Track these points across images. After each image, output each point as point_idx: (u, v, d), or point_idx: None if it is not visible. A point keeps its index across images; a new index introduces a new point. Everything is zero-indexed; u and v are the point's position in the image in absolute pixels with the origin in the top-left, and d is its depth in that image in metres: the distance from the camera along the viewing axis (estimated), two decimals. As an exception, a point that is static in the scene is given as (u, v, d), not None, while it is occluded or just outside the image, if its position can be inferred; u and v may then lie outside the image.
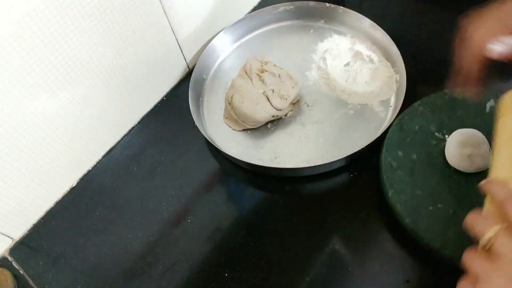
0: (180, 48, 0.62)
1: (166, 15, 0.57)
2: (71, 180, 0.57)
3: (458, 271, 0.43)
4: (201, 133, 0.56)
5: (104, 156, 0.59)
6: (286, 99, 0.58)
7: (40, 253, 0.52)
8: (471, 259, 0.30)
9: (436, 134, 0.50)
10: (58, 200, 0.56)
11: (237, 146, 0.57)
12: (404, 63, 0.57)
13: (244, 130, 0.59)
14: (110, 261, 0.51)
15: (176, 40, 0.61)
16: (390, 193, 0.46)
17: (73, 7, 0.45)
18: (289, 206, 0.53)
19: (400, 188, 0.47)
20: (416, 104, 0.53)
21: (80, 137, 0.54)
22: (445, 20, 0.66)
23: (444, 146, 0.49)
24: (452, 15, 0.67)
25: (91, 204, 0.56)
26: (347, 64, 0.62)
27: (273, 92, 0.58)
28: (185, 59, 0.65)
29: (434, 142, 0.50)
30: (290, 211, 0.52)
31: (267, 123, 0.58)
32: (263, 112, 0.56)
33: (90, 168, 0.58)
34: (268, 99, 0.57)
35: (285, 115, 0.59)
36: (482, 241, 0.30)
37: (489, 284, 0.28)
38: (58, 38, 0.45)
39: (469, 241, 0.42)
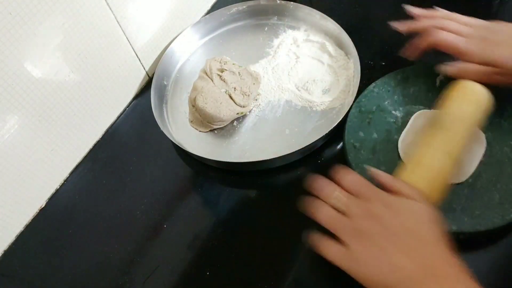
0: (138, 56, 0.62)
1: (119, 25, 0.57)
2: (39, 201, 0.56)
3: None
4: (168, 138, 0.56)
5: (71, 173, 0.58)
6: (249, 95, 0.59)
7: (14, 279, 0.51)
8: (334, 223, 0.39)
9: (393, 112, 0.53)
10: (27, 223, 0.55)
11: (206, 147, 0.58)
12: (357, 49, 0.60)
13: (211, 130, 0.59)
14: (89, 277, 0.50)
15: (133, 49, 0.61)
16: (356, 172, 0.48)
17: (25, 20, 0.44)
18: (263, 199, 0.54)
19: (364, 167, 0.48)
20: (371, 86, 0.55)
21: (43, 156, 0.53)
22: (391, 5, 0.69)
23: (401, 122, 0.51)
24: (396, 1, 0.71)
25: (62, 222, 0.54)
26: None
27: (235, 90, 0.59)
28: (143, 68, 0.65)
29: (392, 120, 0.52)
30: (264, 203, 0.53)
31: (232, 121, 0.59)
32: (227, 111, 0.57)
33: (58, 187, 0.57)
34: (231, 97, 0.58)
35: (250, 111, 0.60)
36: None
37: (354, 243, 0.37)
38: (10, 56, 0.44)
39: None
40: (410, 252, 0.35)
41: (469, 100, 0.46)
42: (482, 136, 0.49)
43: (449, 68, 0.51)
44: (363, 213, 0.37)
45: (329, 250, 0.38)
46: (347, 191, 0.40)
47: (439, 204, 0.42)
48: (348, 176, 0.41)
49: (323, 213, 0.40)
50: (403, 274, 0.34)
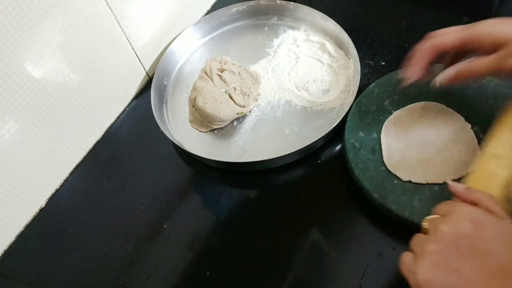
0: (138, 56, 0.62)
1: (119, 25, 0.57)
2: (39, 201, 0.56)
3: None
4: (168, 138, 0.56)
5: (71, 173, 0.58)
6: (249, 95, 0.59)
7: (14, 279, 0.51)
8: (413, 238, 0.35)
9: (393, 112, 0.53)
10: (27, 223, 0.55)
11: (206, 147, 0.58)
12: (357, 49, 0.60)
13: (211, 130, 0.59)
14: (90, 277, 0.50)
15: (133, 49, 0.61)
16: (356, 172, 0.48)
17: (25, 20, 0.44)
18: (263, 199, 0.54)
19: (364, 167, 0.48)
20: (371, 86, 0.55)
21: (43, 157, 0.53)
22: (391, 5, 0.69)
23: (402, 122, 0.52)
24: (396, 1, 0.71)
25: (62, 223, 0.54)
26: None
27: (235, 90, 0.59)
28: (144, 68, 0.65)
29: (392, 120, 0.52)
30: (264, 204, 0.53)
31: (232, 121, 0.59)
32: (227, 111, 0.57)
33: (58, 187, 0.57)
34: (231, 97, 0.58)
35: (250, 111, 0.60)
36: (424, 224, 0.35)
37: (423, 251, 0.32)
38: (11, 56, 0.44)
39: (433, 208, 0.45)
40: (486, 280, 0.29)
41: None
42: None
43: (442, 77, 0.43)
44: (445, 230, 0.32)
45: (402, 258, 0.34)
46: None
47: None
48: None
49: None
50: None
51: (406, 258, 0.34)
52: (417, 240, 0.34)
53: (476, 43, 0.39)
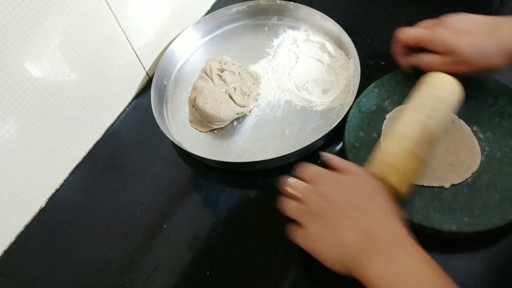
0: (138, 56, 0.62)
1: (120, 25, 0.57)
2: (39, 201, 0.56)
3: (425, 237, 0.45)
4: (168, 138, 0.56)
5: (71, 173, 0.58)
6: (249, 95, 0.59)
7: (14, 279, 0.51)
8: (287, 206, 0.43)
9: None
10: (27, 223, 0.55)
11: (206, 147, 0.58)
12: (357, 49, 0.60)
13: (211, 130, 0.59)
14: (89, 277, 0.50)
15: (133, 49, 0.61)
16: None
17: (25, 20, 0.44)
18: (263, 199, 0.53)
19: (365, 167, 0.48)
20: (371, 86, 0.55)
21: (43, 156, 0.53)
22: (390, 5, 0.69)
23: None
24: (396, 1, 0.71)
25: (62, 222, 0.54)
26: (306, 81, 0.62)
27: (235, 90, 0.59)
28: (144, 68, 0.65)
29: (392, 120, 0.52)
30: (264, 204, 0.53)
31: (232, 121, 0.59)
32: (227, 111, 0.57)
33: (58, 187, 0.57)
34: (231, 97, 0.58)
35: (250, 111, 0.60)
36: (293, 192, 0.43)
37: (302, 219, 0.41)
38: (10, 57, 0.44)
39: (433, 208, 0.45)
40: (354, 224, 0.38)
41: (438, 86, 0.48)
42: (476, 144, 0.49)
43: (417, 59, 0.52)
44: (315, 196, 0.40)
45: (293, 233, 0.42)
46: (306, 181, 0.43)
47: (407, 185, 0.44)
48: (306, 169, 0.44)
49: (286, 206, 0.43)
50: (349, 246, 0.37)
51: (297, 231, 0.41)
52: (298, 213, 0.41)
53: (430, 45, 0.50)
